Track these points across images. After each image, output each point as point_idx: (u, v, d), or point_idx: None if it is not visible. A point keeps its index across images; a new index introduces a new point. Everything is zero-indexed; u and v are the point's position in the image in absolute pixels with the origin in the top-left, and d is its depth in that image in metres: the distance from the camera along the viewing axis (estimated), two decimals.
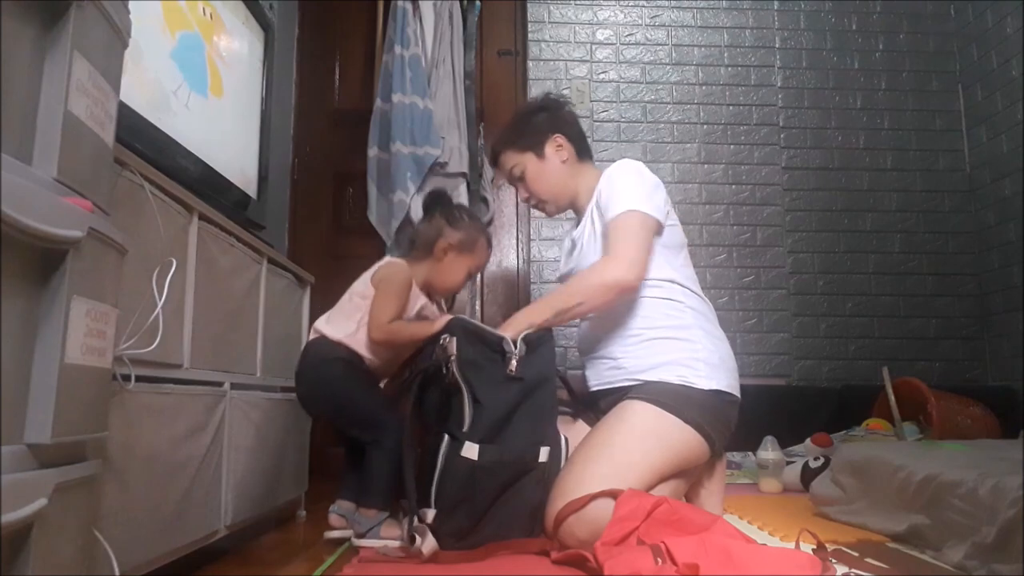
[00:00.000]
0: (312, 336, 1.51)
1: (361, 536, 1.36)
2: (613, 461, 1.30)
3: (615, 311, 1.50)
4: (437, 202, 1.62)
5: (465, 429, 1.29)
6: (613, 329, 1.51)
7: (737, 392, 1.47)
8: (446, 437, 1.30)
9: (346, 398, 1.46)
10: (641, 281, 1.44)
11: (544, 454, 1.32)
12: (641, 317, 1.48)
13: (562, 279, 1.69)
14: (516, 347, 1.33)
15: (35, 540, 0.59)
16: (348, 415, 1.47)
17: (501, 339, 1.33)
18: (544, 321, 1.39)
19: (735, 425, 1.49)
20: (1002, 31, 2.69)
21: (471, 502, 1.27)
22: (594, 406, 1.54)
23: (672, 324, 1.47)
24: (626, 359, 1.48)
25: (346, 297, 1.53)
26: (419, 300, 1.54)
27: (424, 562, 1.22)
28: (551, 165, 1.62)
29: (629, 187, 1.49)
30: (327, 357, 1.46)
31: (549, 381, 1.39)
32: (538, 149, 1.62)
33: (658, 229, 1.49)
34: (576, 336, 1.66)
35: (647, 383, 1.42)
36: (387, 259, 1.57)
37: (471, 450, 1.26)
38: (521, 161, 1.63)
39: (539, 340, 1.38)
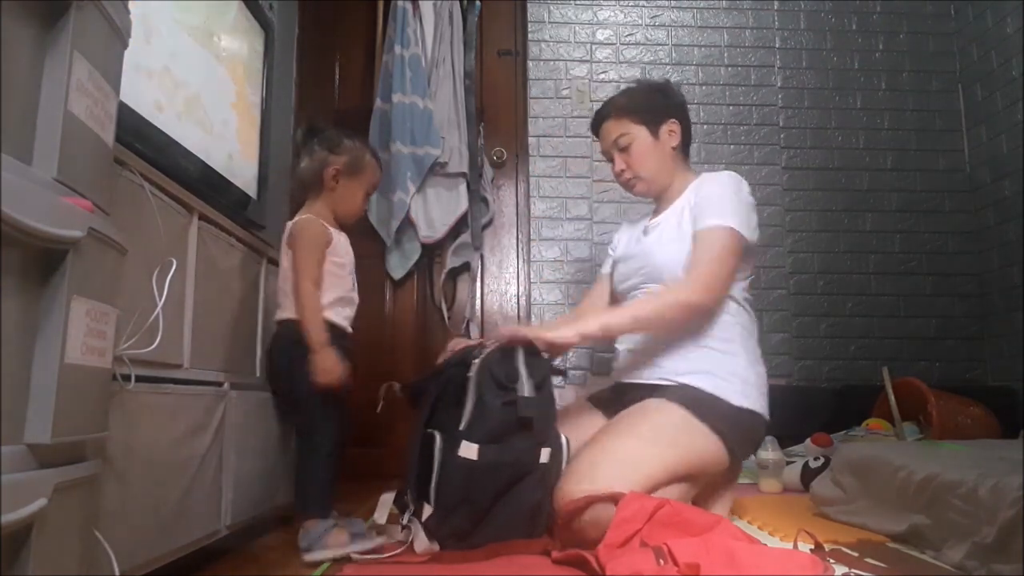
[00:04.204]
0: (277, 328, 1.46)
1: (308, 551, 1.28)
2: (629, 452, 1.31)
3: None
4: (312, 135, 1.54)
5: (462, 428, 1.28)
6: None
7: (767, 414, 1.47)
8: (437, 435, 1.30)
9: (301, 381, 1.37)
10: (713, 303, 1.44)
11: (545, 455, 1.32)
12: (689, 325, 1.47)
13: (622, 260, 1.66)
14: (527, 387, 1.32)
15: (35, 540, 0.59)
16: (301, 402, 1.40)
17: (516, 378, 1.32)
18: (618, 324, 1.40)
19: (757, 444, 1.50)
20: (1002, 31, 2.69)
21: (470, 503, 1.26)
22: (617, 398, 1.54)
23: (718, 336, 1.47)
24: (665, 359, 1.48)
25: (282, 278, 1.45)
26: (339, 238, 1.49)
27: (424, 562, 1.22)
28: (662, 147, 1.60)
29: (729, 201, 1.48)
30: (295, 339, 1.38)
31: (547, 387, 1.39)
32: (654, 126, 1.59)
33: (745, 250, 1.48)
34: None
35: (681, 385, 1.43)
36: (292, 221, 1.48)
37: (470, 450, 1.25)
38: (633, 132, 1.59)
39: (543, 380, 1.37)
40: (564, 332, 1.38)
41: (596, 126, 1.67)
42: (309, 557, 1.28)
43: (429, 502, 1.27)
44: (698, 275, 1.42)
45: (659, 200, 1.67)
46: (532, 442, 1.31)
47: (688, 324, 1.47)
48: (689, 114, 1.66)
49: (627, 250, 1.68)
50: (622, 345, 1.59)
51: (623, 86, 2.80)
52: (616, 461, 1.29)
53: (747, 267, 1.55)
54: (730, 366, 1.45)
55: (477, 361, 1.35)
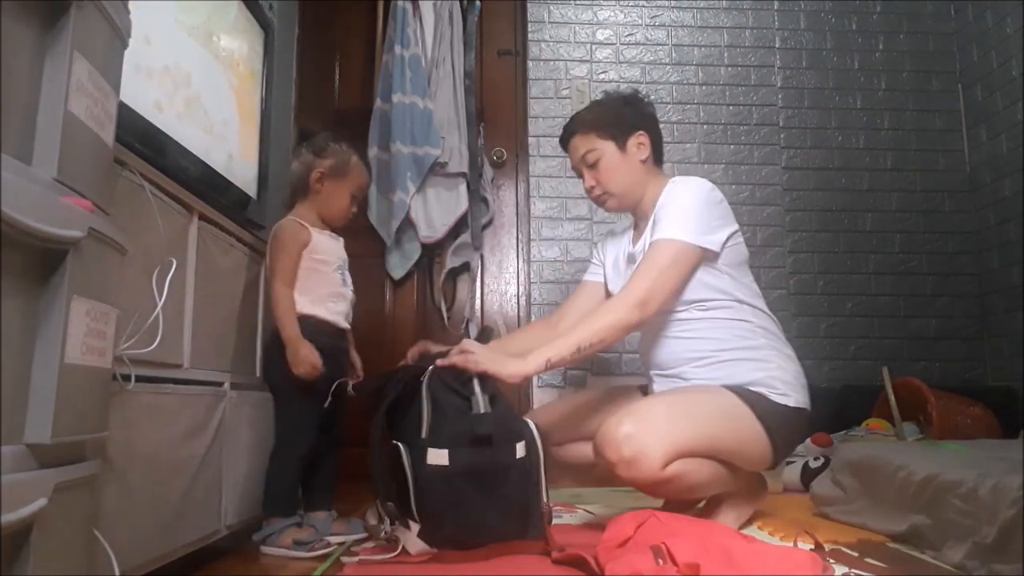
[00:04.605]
0: None
1: (262, 543, 1.36)
2: (680, 409, 1.36)
3: (684, 334, 1.50)
4: (303, 139, 1.60)
5: (424, 435, 1.26)
6: (684, 351, 1.50)
7: (809, 406, 1.48)
8: (402, 447, 1.27)
9: (276, 379, 1.45)
10: (650, 315, 1.43)
11: (521, 449, 1.30)
12: (713, 340, 1.48)
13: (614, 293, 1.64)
14: (482, 404, 1.30)
15: (35, 540, 0.59)
16: (277, 402, 1.47)
17: (472, 393, 1.31)
18: (560, 359, 1.38)
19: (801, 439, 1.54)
20: (1002, 31, 2.68)
21: (455, 510, 1.24)
22: None
23: (744, 345, 1.48)
24: (698, 379, 1.48)
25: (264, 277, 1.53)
26: (320, 237, 1.52)
27: (424, 562, 1.22)
28: (630, 161, 1.57)
29: (681, 211, 1.46)
30: (277, 339, 1.44)
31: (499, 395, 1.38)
32: (621, 140, 1.56)
33: (707, 257, 1.47)
34: (639, 350, 1.64)
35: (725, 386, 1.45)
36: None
37: (440, 456, 1.23)
38: (600, 148, 1.56)
39: (496, 392, 1.36)
40: (508, 371, 1.35)
41: (564, 142, 1.63)
42: (262, 549, 1.36)
43: (413, 517, 1.24)
44: (634, 290, 1.41)
45: (636, 216, 1.64)
46: (504, 437, 1.29)
47: (683, 327, 1.50)
48: (659, 125, 1.63)
49: (616, 281, 1.66)
50: (650, 370, 1.59)
51: (623, 86, 2.82)
52: (664, 412, 1.34)
53: (744, 263, 1.54)
54: (766, 370, 1.45)
55: (429, 368, 1.34)
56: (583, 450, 1.52)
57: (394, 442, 1.29)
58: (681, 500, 1.46)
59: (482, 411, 1.28)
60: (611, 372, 2.60)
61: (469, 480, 1.24)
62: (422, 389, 1.31)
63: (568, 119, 1.66)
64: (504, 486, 1.27)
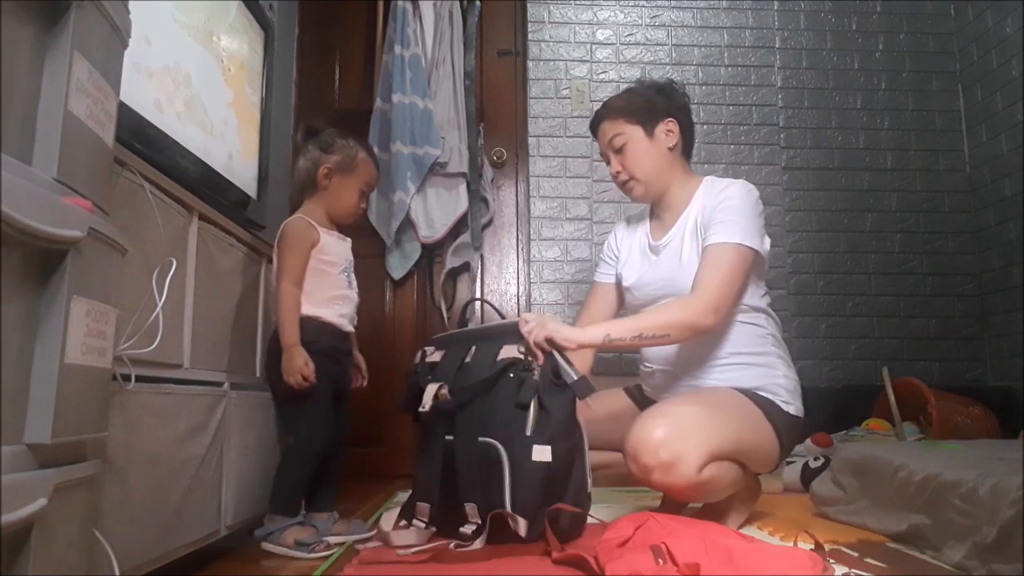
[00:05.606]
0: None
1: (263, 540, 1.36)
2: (708, 410, 1.34)
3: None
4: (309, 136, 1.57)
5: (529, 433, 1.28)
6: (695, 350, 1.50)
7: (803, 415, 1.50)
8: (498, 444, 1.29)
9: (280, 382, 1.40)
10: (719, 324, 1.41)
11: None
12: (726, 342, 1.48)
13: (636, 287, 1.60)
14: (573, 373, 1.34)
15: (35, 540, 0.59)
16: (283, 403, 1.46)
17: (559, 367, 1.34)
18: (620, 338, 1.37)
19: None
20: (1002, 31, 2.68)
21: (549, 503, 1.28)
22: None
23: (755, 351, 1.48)
24: (707, 380, 1.49)
25: (274, 278, 1.49)
26: (328, 237, 1.50)
27: (424, 562, 1.22)
28: (658, 147, 1.55)
29: (743, 216, 1.44)
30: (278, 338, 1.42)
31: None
32: (649, 126, 1.54)
33: (756, 263, 1.46)
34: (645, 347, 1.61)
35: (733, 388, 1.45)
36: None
37: (543, 452, 1.26)
38: (627, 132, 1.54)
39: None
40: (564, 335, 1.36)
41: (594, 127, 1.63)
42: (263, 545, 1.35)
43: (505, 509, 1.26)
44: (708, 297, 1.38)
45: (660, 207, 1.61)
46: (576, 429, 1.37)
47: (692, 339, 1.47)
48: (691, 115, 1.61)
49: (641, 276, 1.61)
50: (656, 365, 1.57)
51: (623, 86, 2.79)
52: (693, 414, 1.31)
53: (761, 276, 1.53)
54: (772, 377, 1.46)
55: (536, 367, 1.35)
56: None
57: (484, 439, 1.31)
58: (689, 502, 1.46)
59: (575, 377, 1.30)
60: (610, 372, 2.60)
61: (561, 474, 1.32)
62: (524, 386, 1.33)
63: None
64: (574, 468, 1.36)
